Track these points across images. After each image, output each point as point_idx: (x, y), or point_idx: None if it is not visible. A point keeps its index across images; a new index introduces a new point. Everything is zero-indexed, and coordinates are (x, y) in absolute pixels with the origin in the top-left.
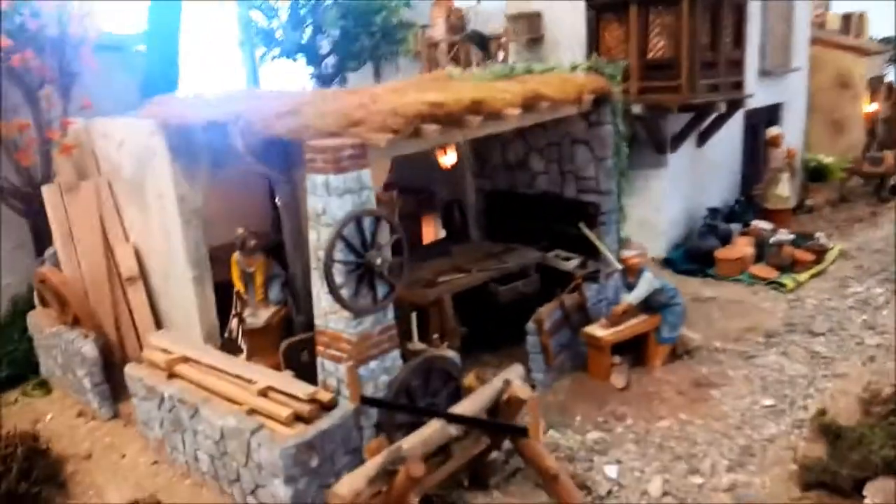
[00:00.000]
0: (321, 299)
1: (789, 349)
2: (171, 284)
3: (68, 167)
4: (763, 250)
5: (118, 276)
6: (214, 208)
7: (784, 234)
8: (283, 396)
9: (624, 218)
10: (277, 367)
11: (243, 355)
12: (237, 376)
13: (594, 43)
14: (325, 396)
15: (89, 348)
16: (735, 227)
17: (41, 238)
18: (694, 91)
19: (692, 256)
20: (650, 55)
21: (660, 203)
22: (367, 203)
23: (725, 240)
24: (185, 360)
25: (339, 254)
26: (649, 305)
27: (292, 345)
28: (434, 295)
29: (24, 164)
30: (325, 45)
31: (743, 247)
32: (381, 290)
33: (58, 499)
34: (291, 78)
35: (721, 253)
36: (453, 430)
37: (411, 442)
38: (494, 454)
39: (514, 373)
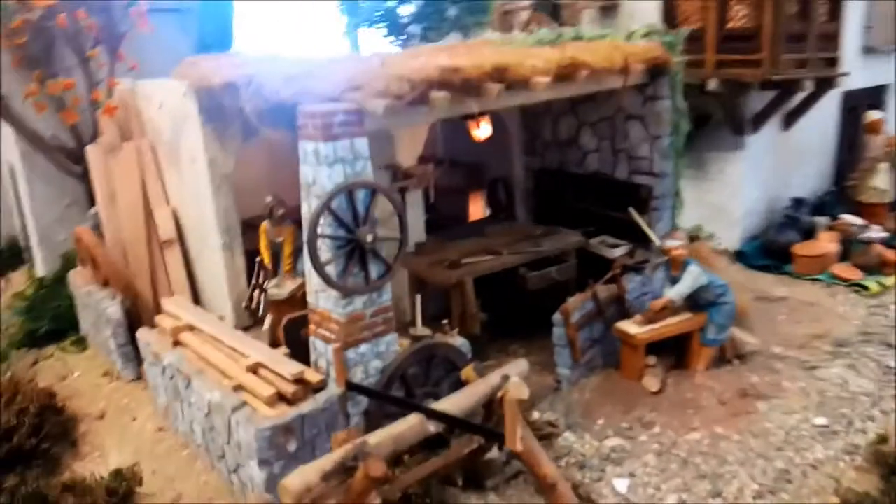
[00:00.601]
0: (312, 276)
1: (859, 362)
2: (203, 250)
3: (112, 128)
4: (849, 248)
5: (157, 238)
6: (251, 177)
7: (875, 232)
8: (272, 375)
9: (680, 204)
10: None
11: (265, 326)
12: (234, 349)
13: (670, 11)
14: (313, 378)
15: (114, 310)
16: (821, 220)
17: (94, 196)
18: (776, 66)
19: (768, 250)
20: (730, 24)
21: (736, 189)
22: (362, 174)
23: (807, 234)
24: (191, 328)
25: (328, 228)
26: (695, 303)
27: (293, 320)
28: (456, 277)
29: (68, 123)
30: (406, 14)
31: (826, 243)
32: (375, 269)
33: (67, 457)
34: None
35: (800, 248)
36: (432, 427)
37: (380, 437)
38: (496, 454)
39: (516, 369)
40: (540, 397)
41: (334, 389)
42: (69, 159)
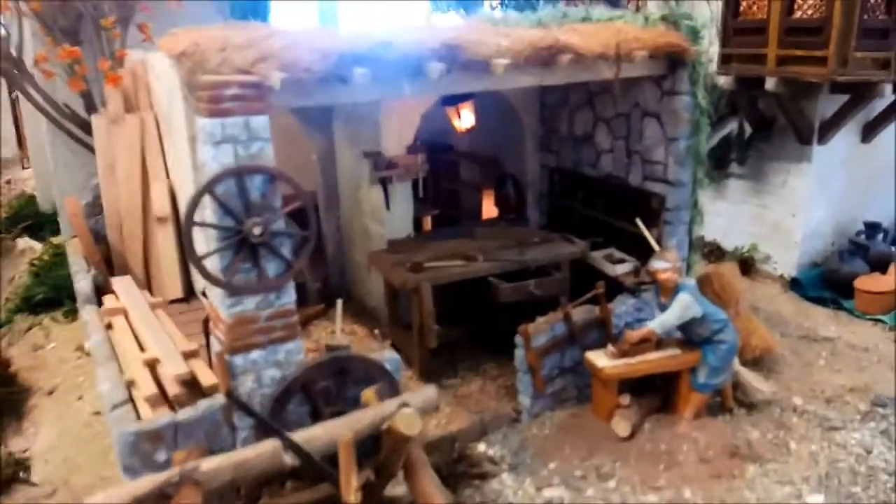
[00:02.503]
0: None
1: (894, 429)
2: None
3: (116, 98)
4: None
5: (152, 214)
6: None
7: None
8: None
9: (700, 218)
10: None
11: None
12: (145, 340)
13: None
14: (206, 381)
15: (84, 283)
16: None
17: None
18: (845, 65)
19: (828, 281)
20: (796, 14)
21: (798, 207)
22: (259, 158)
23: (877, 265)
24: (123, 311)
25: (212, 216)
26: (688, 338)
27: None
28: (413, 282)
29: (75, 91)
30: None
31: None
32: (273, 266)
33: (9, 431)
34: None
35: (864, 282)
36: (289, 458)
37: (216, 464)
38: (402, 491)
39: (422, 396)
40: (494, 427)
41: (220, 398)
42: (82, 129)
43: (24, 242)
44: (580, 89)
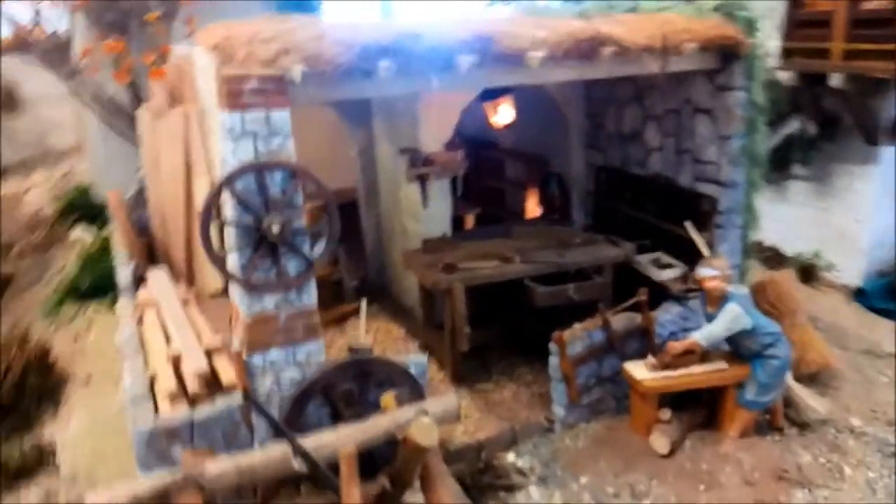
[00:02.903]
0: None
1: None
2: None
3: (161, 92)
4: None
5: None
6: (300, 158)
7: None
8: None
9: (754, 222)
10: None
11: None
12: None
13: None
14: (227, 379)
15: (124, 275)
16: None
17: None
18: None
19: (895, 292)
20: (865, 4)
21: (865, 212)
22: (280, 153)
23: None
24: (154, 304)
25: (233, 212)
26: (736, 350)
27: None
28: (446, 283)
29: (120, 84)
30: None
31: None
32: (293, 265)
33: (46, 417)
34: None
35: None
36: (297, 464)
37: (221, 468)
38: (417, 497)
39: (442, 405)
40: (525, 437)
41: (239, 397)
42: (129, 122)
43: (77, 233)
44: (628, 84)
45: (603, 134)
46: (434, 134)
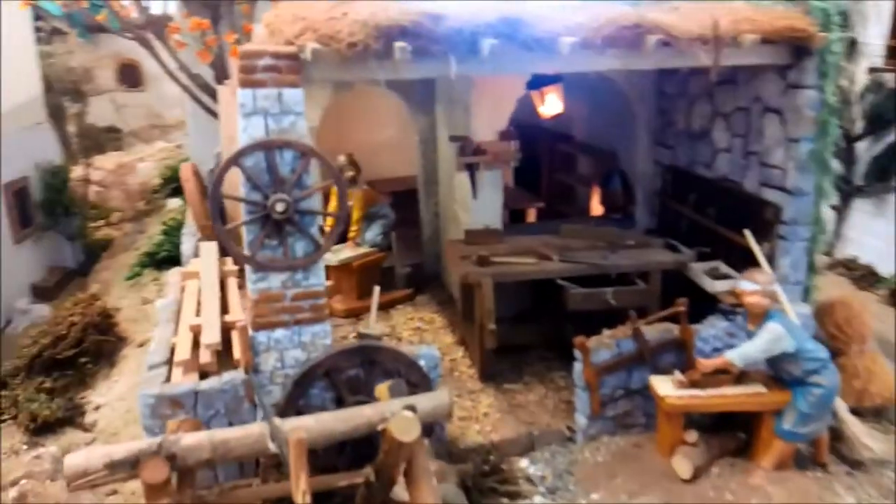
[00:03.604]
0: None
1: None
2: None
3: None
4: None
5: None
6: (339, 134)
7: None
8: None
9: (821, 235)
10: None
11: None
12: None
13: None
14: (238, 354)
15: (188, 246)
16: None
17: None
18: None
19: None
20: None
21: None
22: (291, 132)
23: None
24: (197, 276)
25: (242, 189)
26: (778, 375)
27: None
28: (475, 276)
29: (204, 62)
30: None
31: None
32: (301, 245)
33: (100, 376)
34: None
35: None
36: (273, 445)
37: (196, 440)
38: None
39: (432, 401)
40: (543, 444)
41: (241, 373)
42: (213, 99)
43: (173, 203)
44: (700, 78)
45: (672, 131)
46: (487, 122)
